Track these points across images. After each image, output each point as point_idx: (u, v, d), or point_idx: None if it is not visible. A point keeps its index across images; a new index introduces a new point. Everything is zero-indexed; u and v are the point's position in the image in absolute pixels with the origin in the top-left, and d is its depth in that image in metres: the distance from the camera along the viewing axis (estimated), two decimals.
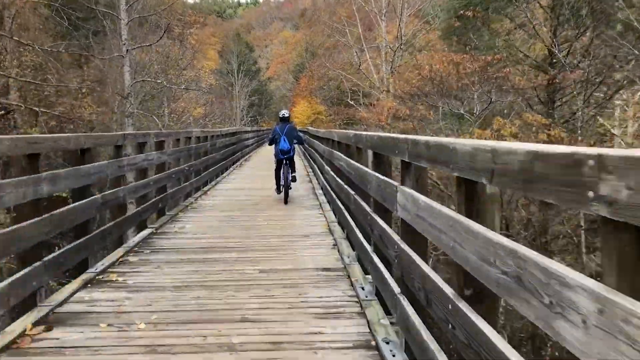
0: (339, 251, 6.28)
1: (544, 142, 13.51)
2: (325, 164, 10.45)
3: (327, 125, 50.74)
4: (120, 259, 5.98)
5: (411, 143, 3.09)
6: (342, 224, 7.24)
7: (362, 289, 4.70)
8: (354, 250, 6.20)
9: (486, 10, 18.32)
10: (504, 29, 20.20)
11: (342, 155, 7.27)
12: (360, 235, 5.33)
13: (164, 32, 24.17)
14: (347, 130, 6.86)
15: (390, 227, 4.17)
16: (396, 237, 3.51)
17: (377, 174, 4.29)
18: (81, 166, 5.37)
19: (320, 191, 11.80)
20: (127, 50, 24.83)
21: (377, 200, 4.30)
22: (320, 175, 12.08)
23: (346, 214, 6.66)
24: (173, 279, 5.20)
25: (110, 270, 5.56)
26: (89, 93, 22.89)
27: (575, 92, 17.77)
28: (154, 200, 8.25)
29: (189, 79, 29.80)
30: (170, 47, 31.27)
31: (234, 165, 19.48)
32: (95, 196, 5.71)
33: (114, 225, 6.27)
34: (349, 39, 29.76)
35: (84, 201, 5.37)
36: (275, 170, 10.87)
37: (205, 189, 12.59)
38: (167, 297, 4.66)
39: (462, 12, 16.80)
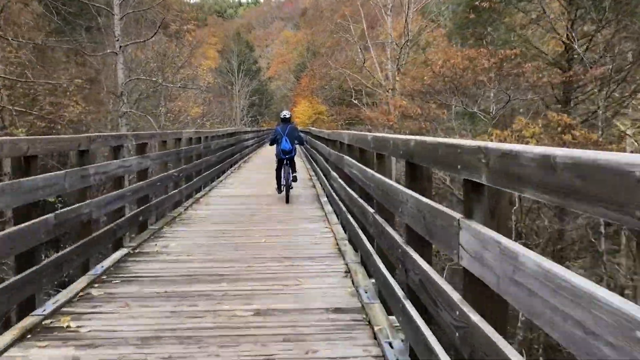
0: (352, 281, 5.08)
1: (570, 144, 12.32)
2: (331, 169, 9.26)
3: (328, 126, 49.61)
4: (81, 293, 4.79)
5: (494, 154, 1.89)
6: (355, 243, 6.05)
7: (390, 345, 3.50)
8: (370, 277, 5.03)
9: (501, 2, 17.10)
10: (519, 23, 18.99)
11: (354, 161, 6.08)
12: (383, 267, 4.12)
13: (158, 27, 22.99)
14: (364, 133, 5.64)
15: (430, 263, 2.99)
16: (456, 297, 2.30)
17: (414, 194, 3.10)
18: (23, 179, 4.18)
19: (325, 199, 10.61)
20: (121, 47, 23.74)
21: (414, 230, 3.09)
22: (325, 180, 10.88)
23: (360, 233, 5.46)
24: (141, 326, 4.00)
25: (64, 310, 4.36)
26: (78, 92, 21.65)
27: (596, 90, 16.54)
28: (133, 213, 7.07)
29: (185, 78, 28.60)
30: (167, 45, 30.08)
31: (232, 168, 18.29)
32: (45, 216, 4.51)
33: (73, 250, 5.08)
34: (352, 35, 28.46)
35: (27, 223, 4.18)
36: (277, 169, 11.03)
37: (198, 195, 11.39)
38: (127, 356, 3.46)
39: (477, 2, 15.58)
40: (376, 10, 29.85)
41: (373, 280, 4.89)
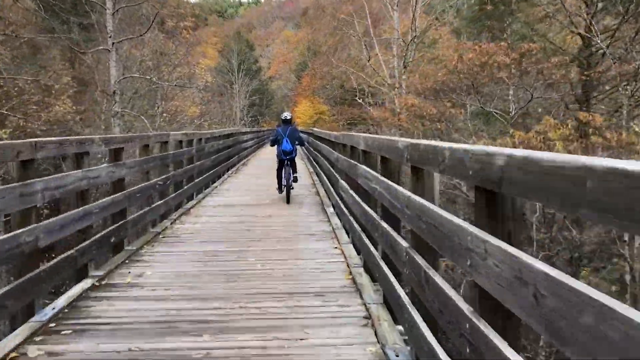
0: (375, 334, 3.85)
1: (603, 148, 11.09)
2: (340, 178, 8.03)
3: (329, 126, 48.51)
4: (13, 355, 3.56)
5: None
6: (374, 274, 4.84)
7: None
8: (396, 322, 3.83)
9: None
10: (535, 17, 17.75)
11: (374, 174, 4.87)
12: (428, 333, 2.89)
13: (152, 21, 21.79)
14: (390, 138, 4.40)
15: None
16: None
17: (501, 244, 1.87)
18: None
19: (332, 209, 9.40)
20: (113, 43, 22.57)
21: (504, 304, 1.86)
22: (332, 188, 9.65)
23: (384, 267, 4.23)
24: None
25: None
26: (65, 90, 20.43)
27: (620, 87, 15.29)
28: (103, 234, 5.84)
29: (182, 76, 27.37)
30: (163, 42, 28.85)
31: (229, 172, 17.06)
32: None
33: (9, 291, 3.85)
34: (357, 30, 27.17)
35: None
36: (277, 169, 11.15)
37: (189, 205, 10.17)
38: None
39: None
40: (381, 5, 28.65)
41: (401, 329, 3.69)
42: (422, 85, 16.31)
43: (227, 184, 14.32)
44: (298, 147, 11.28)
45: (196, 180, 11.32)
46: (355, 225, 5.93)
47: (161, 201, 8.33)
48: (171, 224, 8.35)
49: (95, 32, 27.76)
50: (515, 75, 13.26)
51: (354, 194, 6.13)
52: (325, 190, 11.74)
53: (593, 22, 16.71)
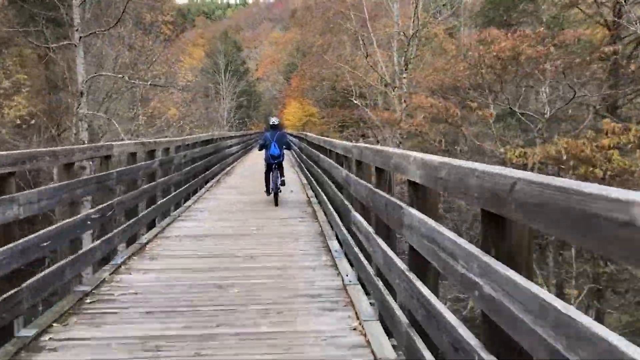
0: None
1: None
2: (352, 209, 5.57)
3: (320, 128, 46.50)
4: None
5: None
6: None
7: None
8: None
9: None
10: (560, 3, 15.43)
11: (471, 250, 2.39)
12: None
13: (122, 11, 19.19)
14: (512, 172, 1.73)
15: None
16: None
17: None
18: None
19: (336, 244, 6.98)
20: (81, 37, 20.06)
21: None
22: (337, 219, 7.15)
23: None
24: None
25: None
26: (17, 90, 17.83)
27: None
28: None
29: (160, 75, 24.75)
30: (140, 38, 26.23)
31: (209, 185, 14.55)
32: None
33: None
34: (353, 25, 24.67)
35: None
36: (265, 173, 11.35)
37: (146, 238, 7.66)
38: None
39: None
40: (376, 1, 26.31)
41: None
42: (435, 83, 13.90)
43: (203, 201, 11.80)
44: (287, 153, 11.48)
45: (160, 202, 8.84)
46: (400, 316, 3.47)
47: (98, 242, 5.84)
48: (111, 273, 5.83)
49: (64, 27, 25.18)
50: (552, 69, 10.86)
51: (388, 251, 3.69)
52: (325, 213, 9.30)
53: (624, 8, 14.36)
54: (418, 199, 3.10)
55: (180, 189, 10.64)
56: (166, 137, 23.98)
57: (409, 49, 21.85)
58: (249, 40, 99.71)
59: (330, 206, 8.28)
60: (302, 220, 9.29)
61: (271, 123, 11.39)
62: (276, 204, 10.80)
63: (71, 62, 23.87)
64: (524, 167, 10.06)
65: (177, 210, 10.21)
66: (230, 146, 22.71)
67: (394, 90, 22.47)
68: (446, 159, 2.63)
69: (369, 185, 4.49)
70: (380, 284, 4.08)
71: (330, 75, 37.89)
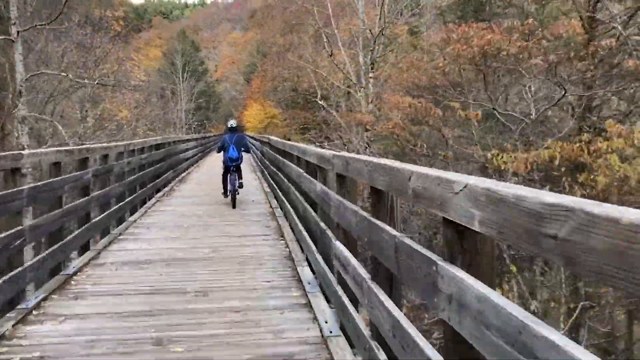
0: None
1: None
2: (333, 237, 4.30)
3: (282, 130, 45.27)
4: None
5: None
6: None
7: None
8: None
9: None
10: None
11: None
12: None
13: (64, 4, 17.46)
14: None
15: None
16: None
17: None
18: None
19: (310, 275, 5.72)
20: (19, 32, 18.30)
21: None
22: (311, 245, 5.85)
23: None
24: None
25: None
26: None
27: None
28: None
29: (109, 74, 22.96)
30: (88, 35, 24.36)
31: (160, 194, 13.05)
32: None
33: None
34: (316, 19, 23.33)
35: None
36: (223, 175, 11.51)
37: (72, 269, 6.18)
38: None
39: None
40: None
41: None
42: (409, 81, 12.74)
43: (152, 215, 10.33)
44: (248, 155, 10.87)
45: (95, 220, 7.40)
46: None
47: None
48: (16, 324, 4.39)
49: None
50: (543, 64, 9.81)
51: (402, 320, 2.45)
52: (292, 229, 8.02)
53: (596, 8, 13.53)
54: (469, 253, 1.86)
55: (123, 202, 9.18)
56: (117, 141, 22.28)
57: (375, 47, 20.74)
58: (207, 41, 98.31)
59: (299, 223, 6.99)
60: (266, 238, 7.97)
61: (229, 125, 11.52)
62: (234, 206, 10.75)
63: (13, 60, 21.95)
64: (514, 174, 9.05)
65: (120, 227, 8.75)
66: (186, 150, 21.16)
67: (360, 91, 21.32)
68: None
69: (362, 213, 3.23)
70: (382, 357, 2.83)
71: (292, 76, 37.07)
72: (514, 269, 9.20)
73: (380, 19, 20.37)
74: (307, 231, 6.39)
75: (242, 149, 11.19)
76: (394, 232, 2.63)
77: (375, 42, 20.70)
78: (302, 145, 6.91)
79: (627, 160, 8.15)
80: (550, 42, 10.45)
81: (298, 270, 6.01)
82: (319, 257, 5.11)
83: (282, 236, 7.98)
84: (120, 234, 8.24)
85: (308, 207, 6.07)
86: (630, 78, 12.88)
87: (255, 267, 6.32)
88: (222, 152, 11.21)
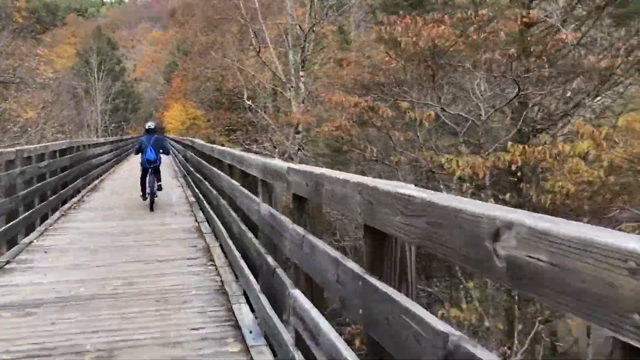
0: None
1: None
2: (303, 299, 3.06)
3: (205, 132, 43.68)
4: None
5: None
6: None
7: None
8: None
9: None
10: None
11: None
12: None
13: None
14: None
15: None
16: None
17: None
18: None
19: (249, 319, 4.48)
20: None
21: None
22: (251, 277, 4.57)
23: None
24: None
25: None
26: None
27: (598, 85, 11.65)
28: None
29: (9, 69, 20.55)
30: None
31: (66, 207, 11.31)
32: None
33: None
34: (242, 14, 21.81)
35: None
36: (141, 178, 11.16)
37: None
38: None
39: None
40: None
41: None
42: (353, 78, 11.64)
43: (52, 234, 8.66)
44: (170, 160, 11.06)
45: None
46: None
47: None
48: None
49: None
50: (500, 60, 8.98)
51: None
52: (224, 251, 6.73)
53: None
54: None
55: (15, 221, 7.55)
56: (21, 145, 20.04)
57: (305, 44, 19.62)
58: (126, 39, 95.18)
59: (232, 245, 5.72)
60: (192, 263, 6.63)
61: (147, 127, 11.36)
62: (152, 209, 10.56)
63: None
64: (471, 178, 8.21)
65: (9, 252, 7.13)
66: (101, 154, 19.20)
67: (290, 90, 20.14)
68: None
69: (350, 265, 2.04)
70: None
71: (216, 75, 35.77)
72: (470, 284, 8.40)
73: (310, 14, 19.28)
74: (243, 257, 5.15)
75: (161, 150, 11.09)
76: (416, 308, 1.48)
77: (306, 38, 19.57)
78: (237, 151, 5.60)
79: (590, 162, 7.49)
80: (507, 36, 9.64)
81: (234, 309, 4.76)
82: (264, 300, 3.89)
83: (212, 260, 6.66)
84: (7, 262, 6.64)
85: (246, 229, 4.82)
86: (568, 76, 12.41)
87: (179, 305, 5.00)
88: (140, 154, 11.08)
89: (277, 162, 3.20)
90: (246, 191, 4.67)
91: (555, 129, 13.31)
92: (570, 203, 7.51)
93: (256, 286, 4.28)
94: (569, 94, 12.63)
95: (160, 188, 11.18)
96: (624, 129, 10.28)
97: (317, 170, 2.47)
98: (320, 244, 2.45)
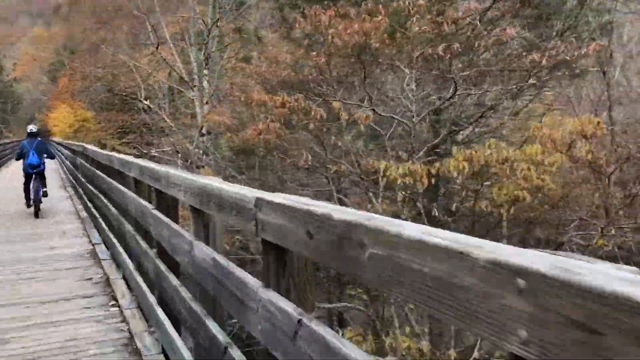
0: None
1: None
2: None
3: (96, 134, 41.38)
4: None
5: None
6: None
7: None
8: None
9: None
10: None
11: None
12: None
13: None
14: None
15: None
16: None
17: None
18: None
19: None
20: None
21: None
22: (173, 333, 3.36)
23: None
24: None
25: None
26: None
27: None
28: None
29: None
30: None
31: None
32: None
33: None
34: (139, 4, 19.88)
35: None
36: (25, 184, 10.77)
37: None
38: None
39: None
40: None
41: None
42: (275, 75, 10.41)
43: None
44: (58, 169, 11.42)
45: None
46: None
47: None
48: None
49: None
50: (442, 54, 8.22)
51: None
52: (128, 285, 5.37)
53: None
54: None
55: None
56: None
57: (208, 40, 18.18)
58: (3, 37, 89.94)
59: (145, 289, 4.42)
60: (89, 305, 5.20)
61: (29, 130, 11.07)
62: (36, 216, 10.23)
63: None
64: (407, 187, 7.43)
65: None
66: None
67: (193, 90, 18.60)
68: None
69: None
70: None
71: (107, 74, 33.65)
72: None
73: (214, 6, 17.88)
74: (160, 304, 3.89)
75: (45, 154, 10.78)
76: None
77: (209, 34, 18.13)
78: (151, 164, 4.24)
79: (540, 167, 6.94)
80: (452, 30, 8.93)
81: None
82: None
83: (114, 299, 5.28)
84: None
85: (167, 271, 3.56)
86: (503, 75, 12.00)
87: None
88: (22, 159, 10.64)
89: (233, 189, 2.05)
90: (167, 220, 3.41)
91: (469, 131, 12.97)
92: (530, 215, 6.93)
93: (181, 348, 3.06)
94: (488, 95, 12.27)
95: (45, 194, 10.74)
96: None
97: (327, 208, 1.38)
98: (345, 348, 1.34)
